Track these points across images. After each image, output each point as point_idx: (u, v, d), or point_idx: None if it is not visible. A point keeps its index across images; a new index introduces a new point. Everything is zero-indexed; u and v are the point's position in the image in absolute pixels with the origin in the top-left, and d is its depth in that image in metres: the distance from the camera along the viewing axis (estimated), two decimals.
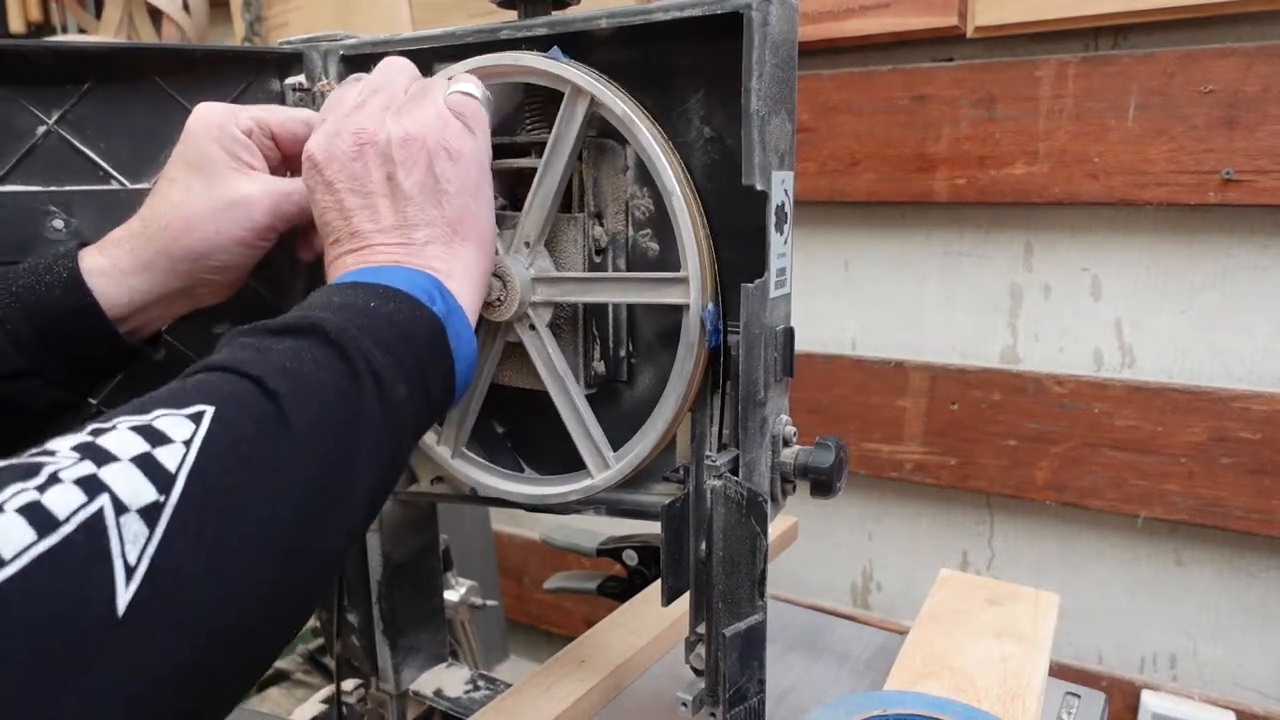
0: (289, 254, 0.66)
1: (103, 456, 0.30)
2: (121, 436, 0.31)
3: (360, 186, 0.47)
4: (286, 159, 0.57)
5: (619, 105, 0.50)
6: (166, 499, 0.30)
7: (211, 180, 0.52)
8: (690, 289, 0.49)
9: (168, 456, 0.31)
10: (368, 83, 0.51)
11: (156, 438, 0.31)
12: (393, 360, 0.40)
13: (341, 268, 0.47)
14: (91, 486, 0.28)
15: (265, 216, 0.53)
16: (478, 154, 0.49)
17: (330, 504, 0.37)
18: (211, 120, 0.53)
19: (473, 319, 0.48)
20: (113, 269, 0.52)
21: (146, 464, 0.30)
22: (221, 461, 0.32)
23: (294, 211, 0.54)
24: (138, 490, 0.29)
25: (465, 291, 0.47)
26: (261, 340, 0.39)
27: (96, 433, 0.31)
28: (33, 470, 0.28)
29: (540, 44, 0.53)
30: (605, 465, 0.55)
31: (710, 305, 0.50)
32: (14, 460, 0.29)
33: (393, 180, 0.47)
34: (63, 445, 0.30)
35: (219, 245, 0.53)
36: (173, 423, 0.32)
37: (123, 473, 0.29)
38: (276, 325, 0.39)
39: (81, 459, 0.29)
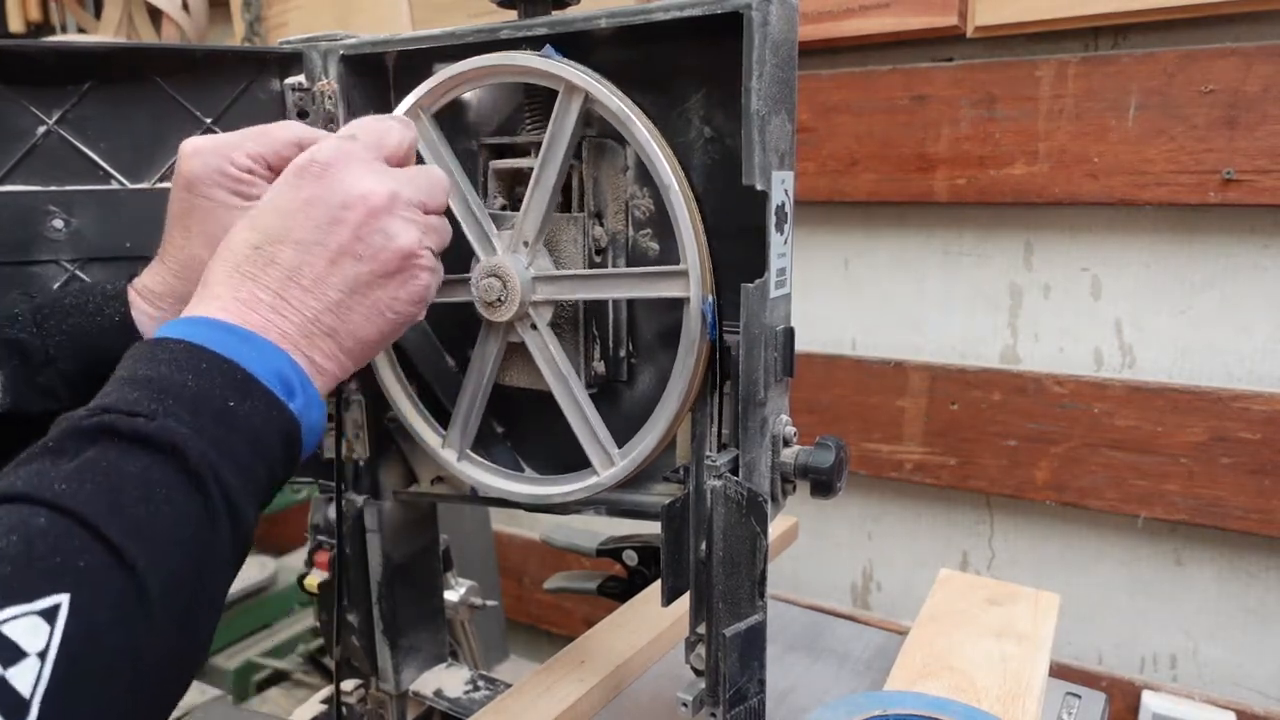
0: None
1: None
2: None
3: (324, 229, 0.43)
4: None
5: (614, 101, 0.50)
6: None
7: (227, 214, 0.50)
8: (690, 282, 0.49)
9: (21, 678, 0.28)
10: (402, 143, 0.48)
11: (7, 652, 0.28)
12: (246, 483, 0.37)
13: (217, 291, 0.42)
14: None
15: None
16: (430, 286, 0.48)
17: (187, 650, 0.35)
18: (211, 166, 0.50)
19: (332, 383, 0.45)
20: (161, 318, 0.51)
21: None
22: (80, 668, 0.29)
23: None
24: None
25: (324, 384, 0.44)
26: (110, 456, 0.34)
27: None
28: None
29: (541, 44, 0.53)
30: (610, 462, 0.55)
31: (710, 297, 0.49)
32: None
33: (357, 260, 0.43)
34: None
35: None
36: (25, 627, 0.29)
37: None
38: (128, 431, 0.35)
39: None
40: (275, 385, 0.39)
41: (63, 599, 0.30)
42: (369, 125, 0.47)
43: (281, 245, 0.42)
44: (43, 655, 0.29)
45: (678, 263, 0.50)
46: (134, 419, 0.35)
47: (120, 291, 0.52)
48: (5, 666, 0.28)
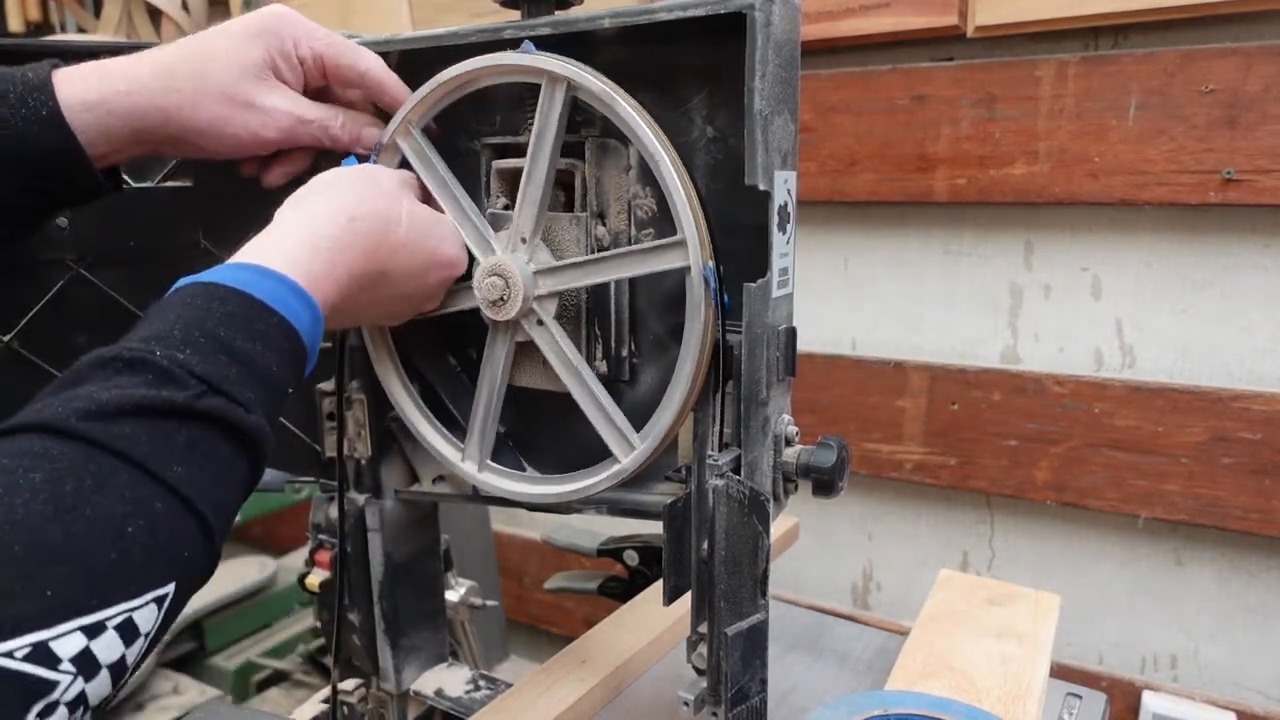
0: None
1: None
2: (75, 642, 0.31)
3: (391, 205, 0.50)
4: (324, 91, 0.57)
5: (595, 84, 0.49)
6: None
7: (244, 74, 0.51)
8: (689, 250, 0.49)
9: (132, 654, 0.33)
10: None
11: (129, 634, 0.33)
12: (270, 414, 0.41)
13: (302, 254, 0.45)
14: None
15: (277, 134, 0.53)
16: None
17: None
18: (279, 30, 0.53)
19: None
20: (99, 105, 0.49)
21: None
22: (160, 635, 0.35)
23: (307, 139, 0.54)
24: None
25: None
26: (213, 440, 0.37)
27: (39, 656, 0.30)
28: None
29: (542, 44, 0.53)
30: (630, 447, 0.54)
31: (710, 263, 0.49)
32: None
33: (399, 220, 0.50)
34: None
35: (220, 132, 0.51)
36: (145, 614, 0.33)
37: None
38: (233, 423, 0.38)
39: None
40: (309, 336, 0.43)
41: (170, 588, 0.34)
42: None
43: (369, 236, 0.49)
44: (148, 635, 0.34)
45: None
46: (236, 408, 0.38)
47: (45, 80, 0.48)
48: (126, 645, 0.32)
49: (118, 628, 0.32)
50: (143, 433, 0.35)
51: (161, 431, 0.35)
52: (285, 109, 0.53)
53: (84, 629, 0.31)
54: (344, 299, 0.47)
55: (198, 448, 0.36)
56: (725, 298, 0.50)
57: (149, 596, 0.33)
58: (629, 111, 0.49)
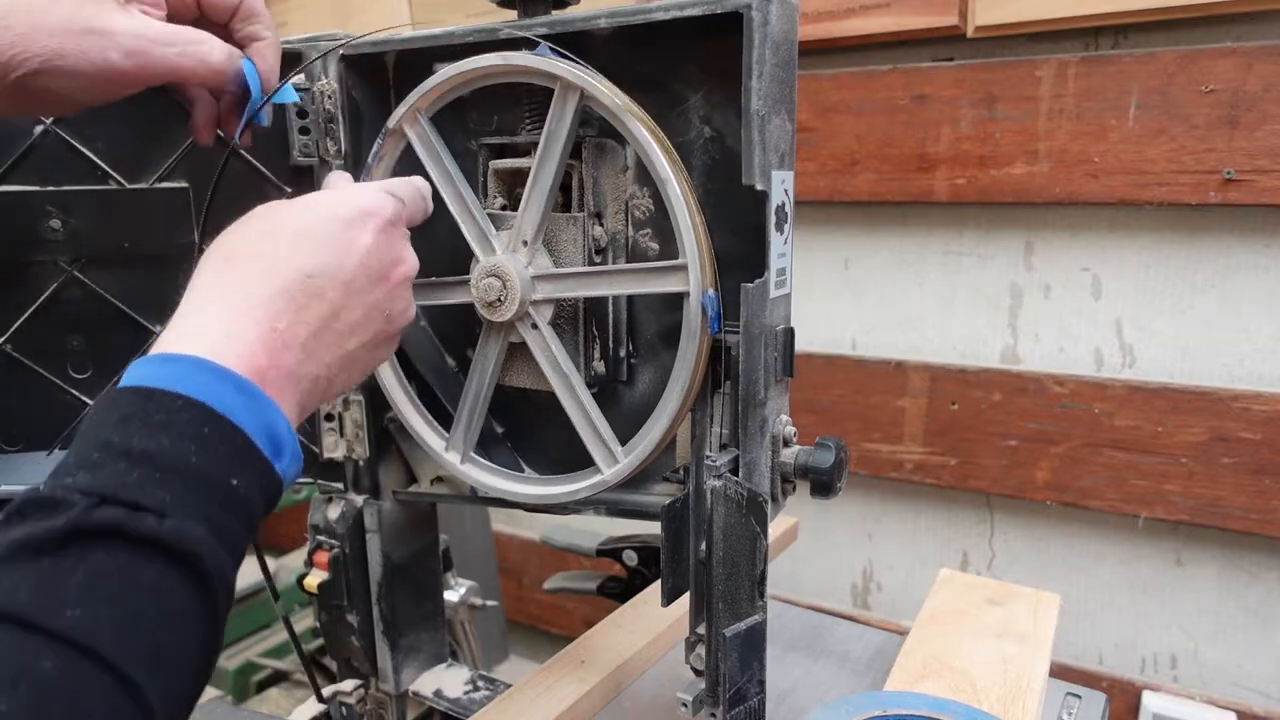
0: None
1: None
2: None
3: (370, 280, 0.42)
4: (199, 20, 0.51)
5: (609, 97, 0.50)
6: None
7: (83, 3, 0.45)
8: (690, 276, 0.49)
9: None
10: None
11: None
12: (237, 562, 0.35)
13: (253, 309, 0.38)
14: None
15: (123, 59, 0.45)
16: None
17: None
18: None
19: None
20: None
21: None
22: None
23: (164, 69, 0.47)
24: None
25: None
26: (120, 564, 0.30)
27: None
28: None
29: (539, 44, 0.53)
30: (614, 459, 0.55)
31: (710, 291, 0.49)
32: None
33: (376, 311, 0.43)
34: None
35: (56, 68, 0.45)
36: None
37: None
38: (141, 535, 0.30)
39: None
40: (266, 445, 0.36)
41: None
42: (413, 193, 0.48)
43: (333, 282, 0.41)
44: None
45: (677, 259, 0.50)
46: (143, 516, 0.30)
47: None
48: None
49: None
50: (23, 578, 0.28)
51: (48, 570, 0.28)
52: (130, 29, 0.46)
53: None
54: (285, 352, 0.38)
55: (102, 580, 0.29)
56: (720, 322, 0.50)
57: None
58: (643, 133, 0.49)
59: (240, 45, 0.51)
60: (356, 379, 0.45)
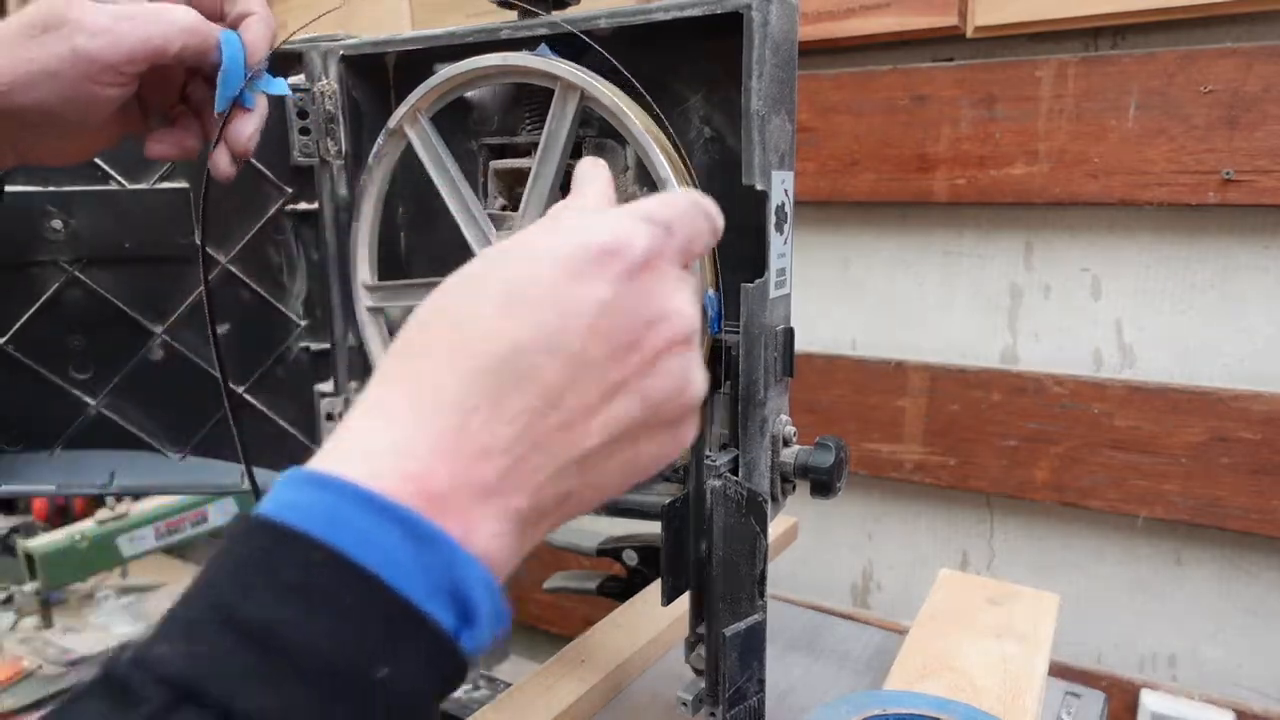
0: (286, 252, 0.66)
1: None
2: None
3: (613, 347, 0.29)
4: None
5: (609, 97, 0.50)
6: None
7: (41, 3, 0.42)
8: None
9: None
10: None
11: None
12: None
13: (433, 412, 0.28)
14: None
15: (89, 40, 0.41)
16: None
17: None
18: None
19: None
20: None
21: None
22: None
23: (134, 40, 0.43)
24: None
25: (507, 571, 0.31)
26: None
27: None
28: None
29: (540, 44, 0.53)
30: None
31: (711, 291, 0.49)
32: None
33: (624, 390, 0.30)
34: None
35: (25, 77, 0.41)
36: None
37: None
38: None
39: None
40: (445, 610, 0.26)
41: None
42: (687, 216, 0.33)
43: (552, 356, 0.28)
44: None
45: None
46: None
47: None
48: None
49: None
50: None
51: None
52: (92, 9, 0.42)
53: None
54: (480, 463, 0.28)
55: None
56: (720, 322, 0.50)
57: None
58: (642, 133, 0.49)
59: (232, 28, 0.49)
60: (617, 486, 0.32)
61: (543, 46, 0.52)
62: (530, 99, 0.57)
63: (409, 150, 0.57)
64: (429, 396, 0.28)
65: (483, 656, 0.25)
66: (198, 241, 0.65)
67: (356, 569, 0.25)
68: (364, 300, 0.61)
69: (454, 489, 0.27)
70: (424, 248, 0.66)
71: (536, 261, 0.30)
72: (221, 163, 0.51)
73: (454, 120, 0.60)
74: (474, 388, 0.28)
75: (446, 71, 0.55)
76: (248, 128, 0.51)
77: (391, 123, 0.57)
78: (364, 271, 0.61)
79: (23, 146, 0.46)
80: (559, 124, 0.52)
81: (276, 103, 0.63)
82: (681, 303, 0.32)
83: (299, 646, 0.24)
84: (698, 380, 0.33)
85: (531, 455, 0.29)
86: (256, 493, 0.60)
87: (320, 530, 0.25)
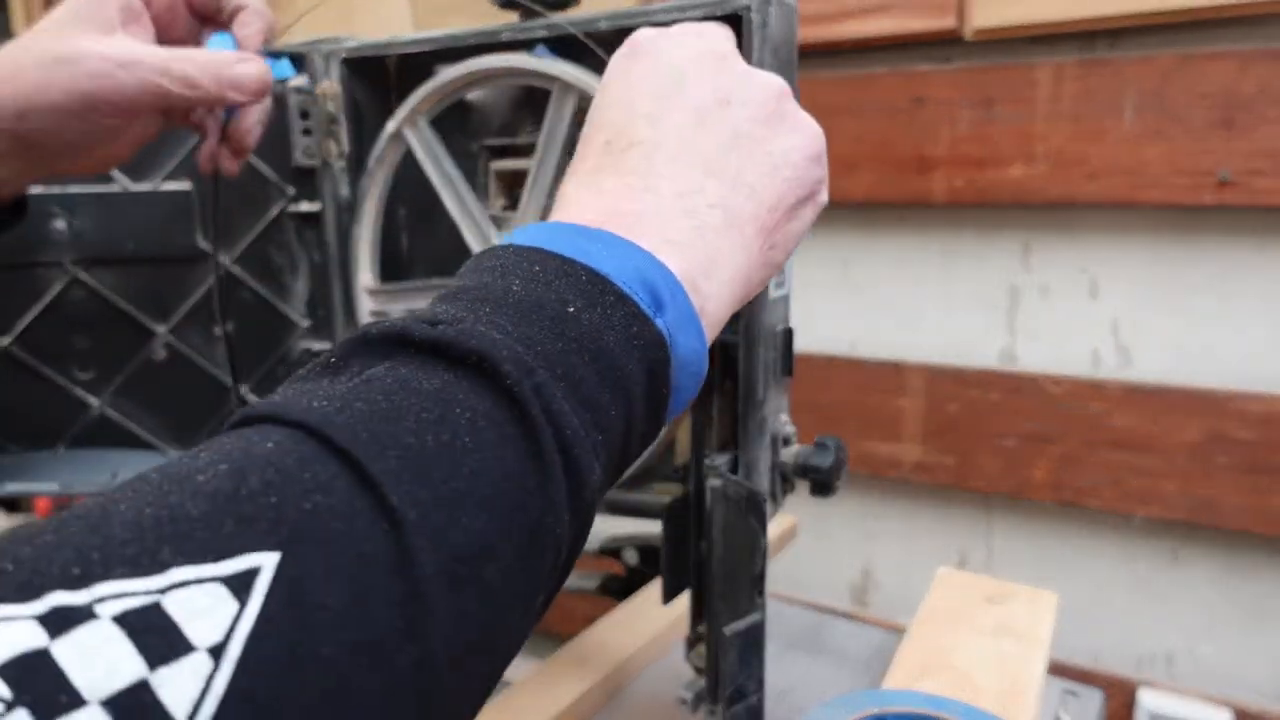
0: (288, 253, 0.66)
1: (50, 702, 0.15)
2: (99, 640, 0.16)
3: (674, 88, 0.34)
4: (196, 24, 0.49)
5: None
6: None
7: (58, 32, 0.43)
8: None
9: (175, 687, 0.16)
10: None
11: (163, 645, 0.16)
12: (591, 422, 0.26)
13: (569, 200, 0.33)
14: None
15: (93, 83, 0.43)
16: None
17: (452, 688, 0.22)
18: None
19: (712, 333, 0.32)
20: None
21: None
22: (270, 683, 0.17)
23: (135, 87, 0.43)
24: None
25: (719, 298, 0.32)
26: (400, 372, 0.24)
27: (60, 621, 0.16)
28: None
29: (542, 45, 0.54)
30: None
31: None
32: None
33: (725, 106, 0.34)
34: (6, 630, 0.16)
35: (37, 106, 0.43)
36: (198, 601, 0.17)
37: None
38: (419, 336, 0.25)
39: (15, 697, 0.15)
40: (638, 292, 0.29)
41: (266, 561, 0.18)
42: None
43: (633, 124, 0.34)
44: (216, 652, 0.17)
45: None
46: (434, 326, 0.25)
47: None
48: (152, 666, 0.16)
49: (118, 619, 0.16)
50: (288, 391, 0.25)
51: (315, 381, 0.25)
52: (97, 52, 0.43)
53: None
54: (627, 190, 0.32)
55: (370, 387, 0.23)
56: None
57: (204, 571, 0.18)
58: None
59: (228, 22, 0.50)
60: (786, 181, 0.36)
61: (540, 47, 0.52)
62: (532, 100, 0.58)
63: (410, 152, 0.58)
64: (582, 188, 0.33)
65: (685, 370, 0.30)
66: (201, 244, 0.65)
67: (545, 252, 0.29)
68: (366, 304, 0.62)
69: (629, 218, 0.31)
70: (425, 249, 0.66)
71: (601, 94, 0.37)
72: (224, 160, 0.52)
73: (455, 122, 0.60)
74: (589, 176, 0.34)
75: (444, 75, 0.55)
76: (247, 121, 0.52)
77: (391, 126, 0.57)
78: (365, 275, 0.62)
79: (46, 165, 0.47)
80: (556, 124, 0.52)
81: (277, 104, 0.64)
82: (701, 45, 0.37)
83: (495, 291, 0.27)
84: (754, 74, 0.37)
85: (665, 176, 0.33)
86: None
87: (527, 241, 0.29)
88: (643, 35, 0.37)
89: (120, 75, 0.43)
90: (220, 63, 0.45)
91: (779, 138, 0.36)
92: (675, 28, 0.38)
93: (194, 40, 0.50)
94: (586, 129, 0.36)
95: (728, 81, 0.35)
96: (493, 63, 0.53)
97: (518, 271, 0.28)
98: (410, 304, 0.62)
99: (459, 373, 0.24)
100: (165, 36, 0.48)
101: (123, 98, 0.44)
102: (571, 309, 0.27)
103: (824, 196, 0.40)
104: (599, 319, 0.27)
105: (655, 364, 0.29)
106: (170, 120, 0.50)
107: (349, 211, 0.63)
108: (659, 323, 0.29)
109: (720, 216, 0.33)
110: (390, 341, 0.25)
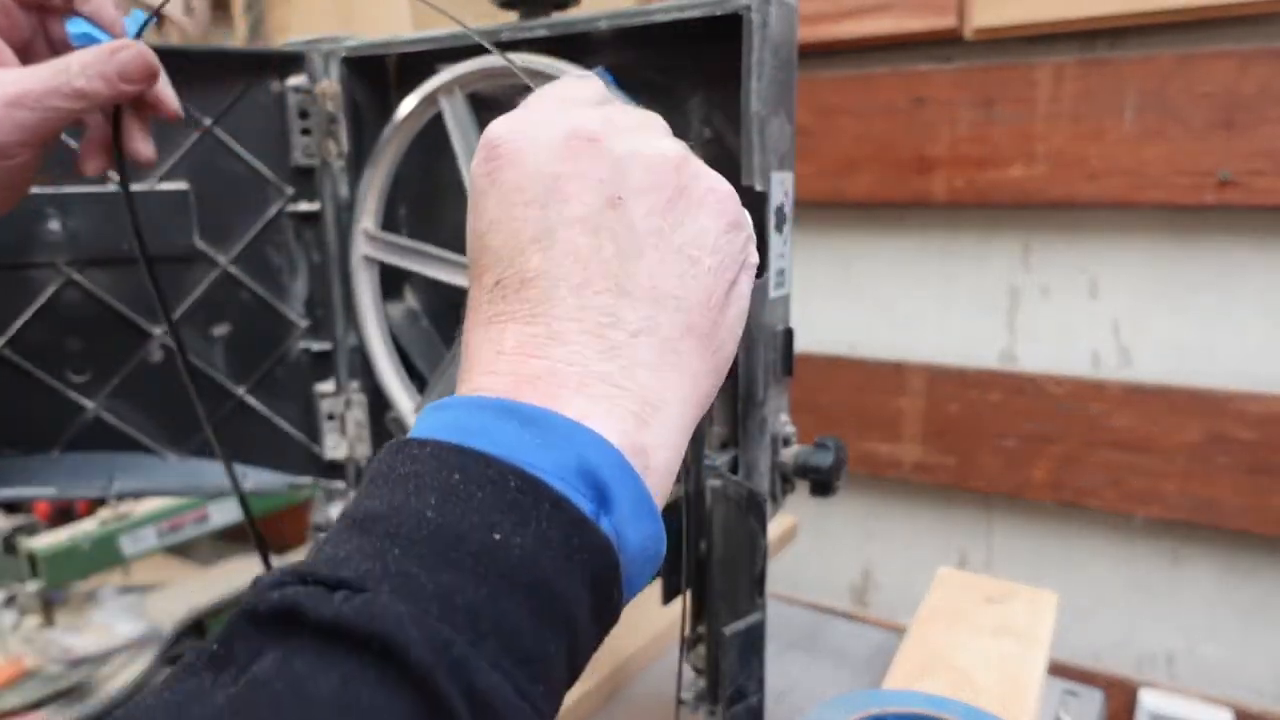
0: (287, 253, 0.66)
1: None
2: None
3: (552, 196, 0.29)
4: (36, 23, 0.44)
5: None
6: None
7: None
8: None
9: None
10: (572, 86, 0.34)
11: None
12: (529, 676, 0.23)
13: (473, 357, 0.29)
14: None
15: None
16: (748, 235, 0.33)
17: None
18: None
19: (666, 487, 0.28)
20: None
21: None
22: None
23: (36, 119, 0.40)
24: None
25: (669, 444, 0.28)
26: (293, 669, 0.21)
27: None
28: None
29: (541, 45, 0.54)
30: None
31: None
32: None
33: (617, 206, 0.29)
34: None
35: None
36: None
37: None
38: (315, 617, 0.21)
39: None
40: (577, 488, 0.25)
41: None
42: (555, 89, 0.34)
43: (521, 254, 0.29)
44: None
45: None
46: (331, 595, 0.22)
47: None
48: None
49: None
50: (157, 703, 0.21)
51: (193, 689, 0.21)
52: None
53: None
54: (552, 338, 0.27)
55: (260, 694, 0.20)
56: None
57: None
58: None
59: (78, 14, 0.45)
60: (713, 275, 0.30)
61: (599, 69, 0.51)
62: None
63: (417, 139, 0.57)
64: (483, 342, 0.29)
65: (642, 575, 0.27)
66: (199, 244, 0.65)
67: (460, 450, 0.25)
68: (362, 247, 0.61)
69: (545, 380, 0.27)
70: (434, 227, 0.66)
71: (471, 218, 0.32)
72: (138, 144, 0.47)
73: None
74: (486, 324, 0.29)
75: (443, 75, 0.55)
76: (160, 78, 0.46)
77: (430, 85, 0.56)
78: (367, 220, 0.61)
79: None
80: None
81: (278, 102, 0.64)
82: (588, 117, 0.31)
83: (406, 519, 0.23)
84: (648, 142, 0.32)
85: (572, 316, 0.28)
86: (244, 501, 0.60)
87: (431, 432, 0.25)
88: (497, 132, 0.31)
89: (16, 115, 0.39)
90: (100, 60, 0.41)
91: (687, 222, 0.30)
92: (532, 97, 0.33)
93: (37, 35, 0.46)
94: (472, 260, 0.31)
95: (610, 173, 0.29)
96: (492, 64, 0.53)
97: (435, 484, 0.24)
98: (402, 261, 0.60)
99: (363, 661, 0.21)
100: (10, 43, 0.44)
101: (23, 134, 0.40)
102: (499, 534, 0.23)
103: (754, 258, 0.33)
104: (532, 541, 0.23)
105: (602, 576, 0.25)
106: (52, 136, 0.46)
107: (348, 210, 0.63)
108: (604, 525, 0.25)
109: (648, 345, 0.28)
110: (282, 621, 0.22)
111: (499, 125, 0.31)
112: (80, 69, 0.40)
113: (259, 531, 0.53)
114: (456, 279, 0.57)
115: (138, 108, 0.46)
